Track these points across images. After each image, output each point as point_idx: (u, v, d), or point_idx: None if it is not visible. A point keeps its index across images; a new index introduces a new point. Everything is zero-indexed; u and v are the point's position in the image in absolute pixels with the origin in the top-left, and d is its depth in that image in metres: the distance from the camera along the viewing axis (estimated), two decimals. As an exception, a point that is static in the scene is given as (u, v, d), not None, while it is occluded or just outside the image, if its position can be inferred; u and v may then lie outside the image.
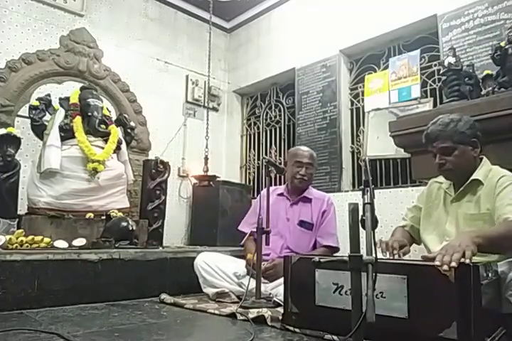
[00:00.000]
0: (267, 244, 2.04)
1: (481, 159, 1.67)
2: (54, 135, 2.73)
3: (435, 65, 3.13)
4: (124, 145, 3.13)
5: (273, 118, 4.41)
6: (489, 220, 1.55)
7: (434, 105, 3.01)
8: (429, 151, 1.69)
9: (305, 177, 2.34)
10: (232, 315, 1.79)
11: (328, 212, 2.38)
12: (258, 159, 4.47)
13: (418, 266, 1.33)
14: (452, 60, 2.32)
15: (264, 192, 2.42)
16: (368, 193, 1.17)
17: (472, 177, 1.62)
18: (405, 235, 1.81)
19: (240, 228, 2.49)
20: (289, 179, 2.40)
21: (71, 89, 3.22)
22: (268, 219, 2.07)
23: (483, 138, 1.69)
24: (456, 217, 1.64)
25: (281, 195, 2.44)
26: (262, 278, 2.01)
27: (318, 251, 2.27)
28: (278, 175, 3.99)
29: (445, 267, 1.20)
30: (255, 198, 3.73)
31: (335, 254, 2.31)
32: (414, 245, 1.96)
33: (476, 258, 1.36)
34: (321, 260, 1.26)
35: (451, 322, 1.20)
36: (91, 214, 2.71)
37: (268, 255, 2.26)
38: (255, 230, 2.10)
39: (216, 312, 1.87)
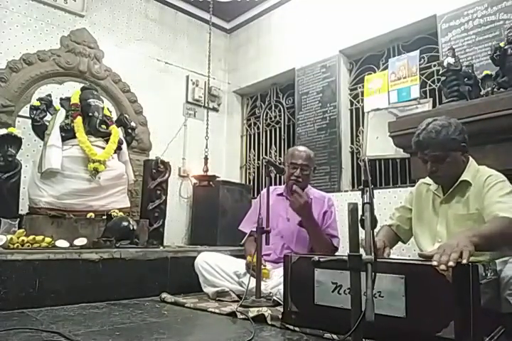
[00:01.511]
0: (267, 243, 2.04)
1: (468, 159, 1.66)
2: (55, 135, 2.74)
3: (434, 66, 3.14)
4: (124, 146, 3.14)
5: (273, 119, 4.42)
6: (478, 220, 1.56)
7: (434, 105, 3.01)
8: (420, 158, 1.66)
9: (299, 178, 2.32)
10: (233, 314, 1.80)
11: (329, 214, 2.36)
12: (258, 159, 4.48)
13: (416, 266, 1.34)
14: (451, 60, 2.33)
15: (264, 191, 2.42)
16: (368, 193, 1.17)
17: (461, 179, 1.62)
18: (390, 234, 1.82)
19: (240, 228, 2.49)
20: (286, 180, 2.40)
21: (72, 89, 3.24)
22: (268, 219, 2.07)
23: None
24: (447, 218, 1.65)
25: (280, 195, 2.43)
26: (262, 278, 2.02)
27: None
28: (278, 175, 4.00)
29: (442, 267, 1.21)
30: (255, 198, 3.73)
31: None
32: (413, 245, 1.97)
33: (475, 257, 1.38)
34: (321, 259, 1.27)
35: (449, 321, 1.21)
36: (92, 214, 2.73)
37: (268, 255, 2.26)
38: (255, 230, 2.10)
39: (216, 311, 1.88)
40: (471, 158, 1.68)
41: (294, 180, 2.32)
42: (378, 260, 1.12)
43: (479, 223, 1.54)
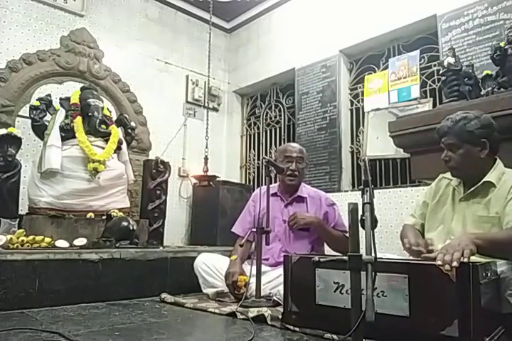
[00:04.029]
0: (267, 243, 2.04)
1: (495, 160, 1.64)
2: (54, 135, 2.74)
3: (435, 65, 3.14)
4: (124, 146, 3.14)
5: (273, 119, 4.42)
6: (498, 224, 1.53)
7: (434, 105, 3.01)
8: (440, 147, 1.68)
9: (296, 172, 2.26)
10: (233, 314, 1.79)
11: (331, 213, 2.31)
12: (258, 159, 4.47)
13: (419, 265, 1.34)
14: (452, 60, 2.33)
15: (256, 192, 2.43)
16: (368, 193, 1.17)
17: (485, 179, 1.59)
18: (418, 234, 1.74)
19: (233, 230, 2.45)
20: (281, 177, 2.33)
21: (71, 89, 3.23)
22: (268, 219, 2.06)
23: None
24: (464, 217, 1.62)
25: (274, 195, 2.34)
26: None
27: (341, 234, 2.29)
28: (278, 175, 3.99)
29: (447, 267, 1.21)
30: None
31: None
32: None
33: (477, 259, 1.37)
34: (321, 259, 1.27)
35: (453, 320, 1.21)
36: (91, 214, 2.72)
37: (267, 260, 2.23)
38: (249, 232, 2.09)
39: (216, 311, 1.88)
40: (498, 160, 1.65)
41: (290, 174, 2.26)
42: (379, 260, 1.12)
43: (498, 227, 1.52)
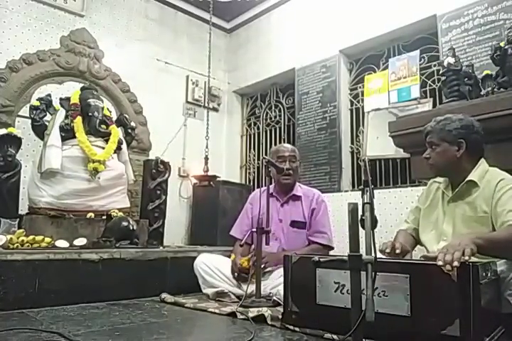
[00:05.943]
0: (267, 243, 2.04)
1: (478, 160, 1.66)
2: (54, 135, 2.74)
3: (435, 65, 3.14)
4: (124, 146, 3.13)
5: (273, 119, 4.42)
6: (486, 223, 1.55)
7: (434, 105, 3.01)
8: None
9: (290, 170, 2.29)
10: (233, 314, 1.79)
11: (317, 210, 2.33)
12: (258, 159, 4.47)
13: (421, 265, 1.34)
14: (452, 60, 2.32)
15: (253, 194, 2.47)
16: (368, 193, 1.17)
17: (467, 179, 1.62)
18: (408, 238, 1.79)
19: (231, 233, 2.47)
20: (275, 177, 2.36)
21: (71, 89, 3.23)
22: (268, 220, 2.07)
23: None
24: (453, 218, 1.65)
25: (270, 195, 2.32)
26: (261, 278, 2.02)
27: (309, 247, 2.25)
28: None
29: (448, 267, 1.21)
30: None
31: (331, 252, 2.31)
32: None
33: (477, 259, 1.37)
34: (321, 259, 1.27)
35: (454, 319, 1.21)
36: (92, 214, 2.72)
37: None
38: (247, 235, 2.10)
39: (216, 311, 1.88)
40: (482, 159, 1.67)
41: (284, 173, 2.27)
42: (379, 260, 1.12)
43: (487, 226, 1.54)
